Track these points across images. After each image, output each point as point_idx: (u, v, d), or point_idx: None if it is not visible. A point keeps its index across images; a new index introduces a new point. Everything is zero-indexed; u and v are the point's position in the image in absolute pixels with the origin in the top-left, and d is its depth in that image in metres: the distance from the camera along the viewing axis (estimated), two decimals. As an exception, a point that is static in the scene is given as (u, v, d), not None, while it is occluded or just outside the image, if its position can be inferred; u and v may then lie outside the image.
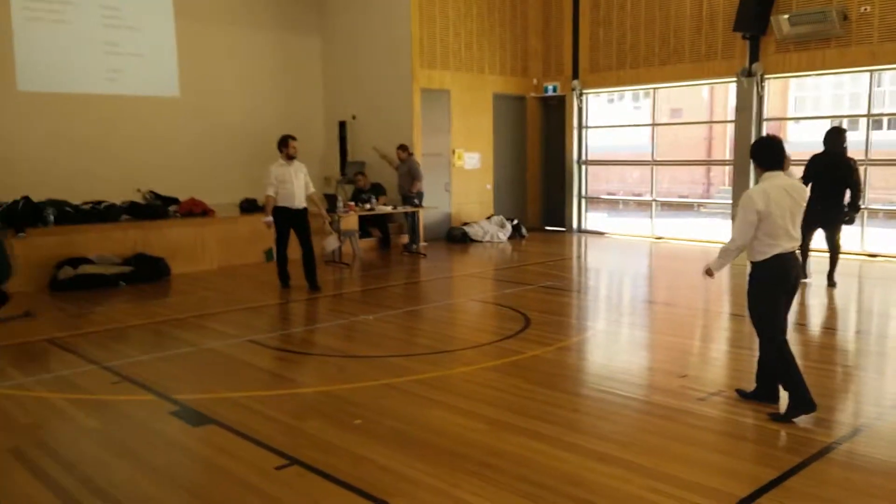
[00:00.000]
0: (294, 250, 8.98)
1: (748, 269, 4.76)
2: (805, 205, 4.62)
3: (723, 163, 22.00)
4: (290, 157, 8.78)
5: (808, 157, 8.83)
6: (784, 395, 4.62)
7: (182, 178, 12.22)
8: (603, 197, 18.28)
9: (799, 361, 4.62)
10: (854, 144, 11.33)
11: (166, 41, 12.52)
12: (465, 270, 10.88)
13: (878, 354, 6.16)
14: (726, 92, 21.32)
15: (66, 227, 9.64)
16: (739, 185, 12.26)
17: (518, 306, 7.86)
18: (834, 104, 26.17)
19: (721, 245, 4.84)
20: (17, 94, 11.06)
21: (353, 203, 11.62)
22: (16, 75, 11.05)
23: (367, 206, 11.66)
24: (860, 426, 4.48)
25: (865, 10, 10.77)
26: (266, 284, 9.33)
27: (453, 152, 13.82)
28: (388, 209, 11.92)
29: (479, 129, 14.22)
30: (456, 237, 13.44)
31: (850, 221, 8.69)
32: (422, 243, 12.34)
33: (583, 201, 15.05)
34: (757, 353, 4.82)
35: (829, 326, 7.32)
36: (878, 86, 11.64)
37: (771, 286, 4.58)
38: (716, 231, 13.96)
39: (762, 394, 4.75)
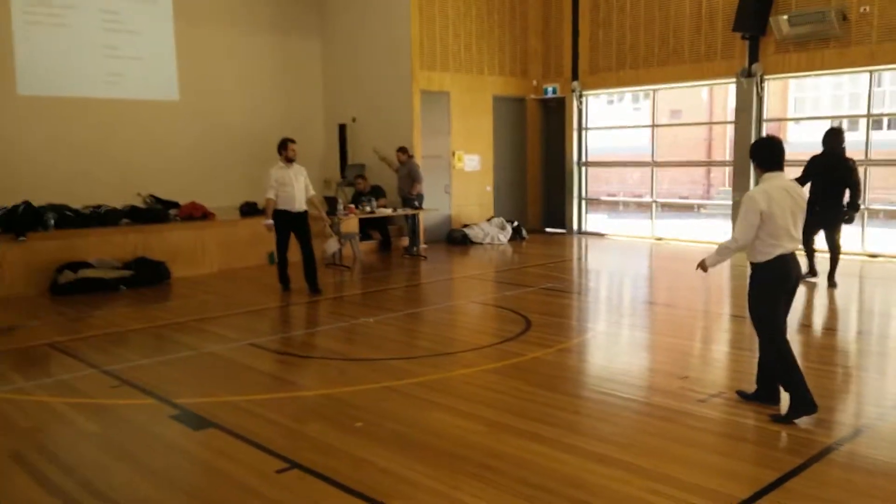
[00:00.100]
0: (294, 253, 8.98)
1: (748, 270, 4.76)
2: (805, 206, 4.63)
3: (723, 164, 22.00)
4: (289, 160, 8.79)
5: (807, 157, 8.84)
6: (785, 397, 4.61)
7: (182, 181, 12.23)
8: (603, 198, 18.29)
9: (800, 362, 4.61)
10: (854, 144, 11.33)
11: (166, 44, 12.54)
12: (466, 272, 10.88)
13: (878, 355, 6.16)
14: (726, 93, 21.33)
15: (66, 231, 9.65)
16: (739, 186, 12.26)
17: (518, 308, 7.85)
18: (833, 104, 26.18)
19: (719, 244, 4.82)
20: (17, 98, 11.07)
21: (353, 206, 11.63)
22: (16, 79, 11.07)
23: (368, 208, 11.66)
24: (861, 427, 4.48)
25: (865, 10, 10.77)
26: (266, 287, 9.33)
27: (453, 154, 13.83)
28: (389, 212, 11.92)
29: (478, 131, 14.23)
30: (456, 239, 13.44)
31: (850, 221, 8.70)
32: (422, 245, 12.34)
33: (583, 203, 15.04)
34: (757, 355, 4.82)
35: (830, 327, 7.31)
36: (878, 86, 11.64)
37: (772, 287, 4.58)
38: (716, 232, 13.95)
39: (763, 395, 4.75)
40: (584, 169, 14.94)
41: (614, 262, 11.75)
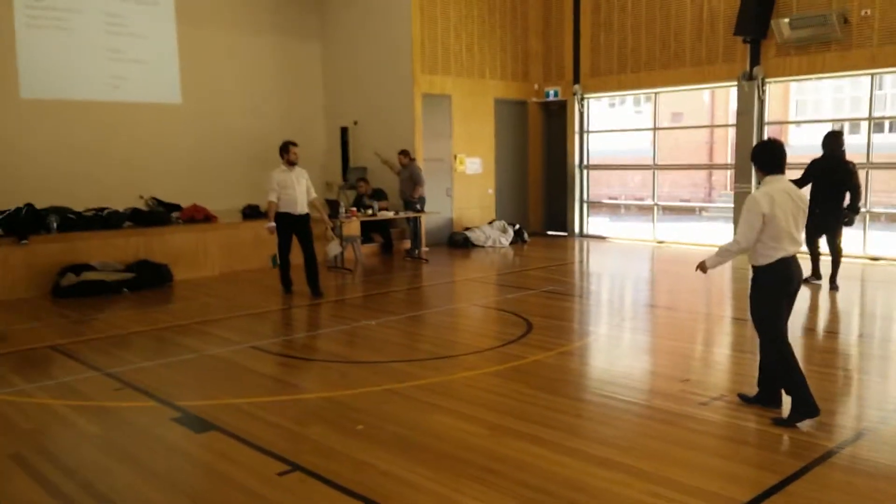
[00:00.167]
0: (296, 256, 8.99)
1: (750, 273, 4.76)
2: (807, 208, 4.63)
3: (724, 167, 22.03)
4: (291, 163, 8.80)
5: (809, 160, 8.85)
6: (786, 400, 4.61)
7: (184, 184, 12.25)
8: (605, 201, 18.28)
9: (802, 365, 4.61)
10: (855, 148, 11.34)
11: (168, 47, 12.57)
12: (467, 275, 10.89)
13: (880, 358, 6.15)
14: (727, 96, 21.33)
15: (68, 233, 9.67)
16: (741, 189, 12.26)
17: (520, 311, 7.86)
18: (835, 107, 26.17)
19: (720, 246, 4.83)
20: (20, 102, 11.09)
21: (354, 209, 11.64)
22: (18, 82, 11.09)
23: (369, 211, 11.67)
24: (863, 430, 4.47)
25: (866, 13, 10.78)
26: (268, 290, 9.34)
27: (455, 157, 13.84)
28: (390, 215, 11.93)
29: (480, 134, 14.24)
30: (458, 242, 13.45)
31: (850, 223, 8.73)
32: (423, 248, 12.35)
33: (584, 206, 15.05)
34: (758, 358, 4.82)
35: (832, 330, 7.31)
36: (879, 89, 11.65)
37: (774, 290, 4.58)
38: (717, 235, 13.95)
39: (764, 398, 4.75)
40: (585, 172, 14.95)
41: (616, 265, 11.75)
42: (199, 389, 5.52)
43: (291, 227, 8.85)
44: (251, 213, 11.56)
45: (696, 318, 7.83)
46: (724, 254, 4.71)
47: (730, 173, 14.60)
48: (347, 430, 4.50)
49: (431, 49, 13.18)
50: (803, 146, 15.33)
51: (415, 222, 12.19)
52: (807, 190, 8.37)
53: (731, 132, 15.43)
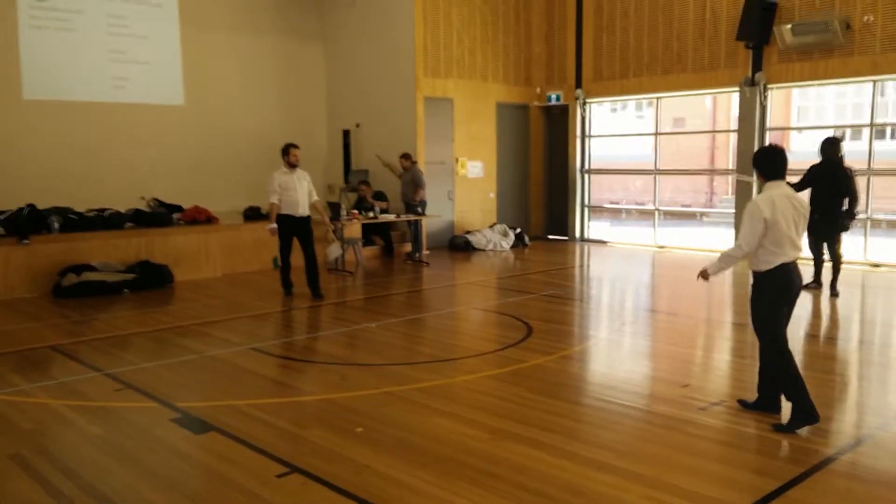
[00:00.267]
0: (297, 258, 9.00)
1: (750, 278, 4.76)
2: (808, 214, 4.64)
3: (726, 172, 22.03)
4: (292, 165, 8.82)
5: (809, 166, 8.86)
6: (786, 406, 4.61)
7: (186, 185, 12.28)
8: (606, 206, 18.28)
9: (802, 371, 4.61)
10: (857, 154, 11.35)
11: (171, 49, 12.60)
12: (468, 279, 10.89)
13: (880, 365, 6.15)
14: (729, 101, 21.34)
15: (70, 234, 9.68)
16: (742, 195, 12.27)
17: (520, 315, 7.86)
18: (837, 114, 26.17)
19: (722, 252, 4.83)
20: (22, 103, 11.12)
21: (356, 211, 11.65)
22: (21, 83, 11.12)
23: (371, 214, 11.68)
24: (863, 437, 4.47)
25: (868, 19, 10.79)
26: (269, 292, 9.34)
27: (456, 161, 13.85)
28: (392, 217, 11.94)
29: (482, 138, 14.26)
30: (459, 245, 13.45)
31: (846, 228, 8.74)
32: (424, 251, 12.36)
33: (586, 210, 15.06)
34: (759, 363, 4.83)
35: (832, 336, 7.30)
36: (881, 95, 11.64)
37: (775, 296, 4.59)
38: (718, 240, 13.95)
39: (764, 404, 4.75)
40: (587, 176, 14.97)
41: (616, 270, 11.75)
42: (200, 391, 5.53)
43: (292, 229, 8.86)
44: (252, 214, 11.58)
45: (697, 324, 7.83)
46: (726, 259, 4.71)
47: (731, 178, 14.58)
48: (347, 432, 4.50)
49: (434, 52, 13.21)
50: (805, 152, 15.33)
51: (416, 225, 12.20)
52: (805, 195, 8.38)
53: (733, 138, 15.45)
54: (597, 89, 14.32)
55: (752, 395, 4.89)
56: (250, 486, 3.79)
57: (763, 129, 12.19)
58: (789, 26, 11.28)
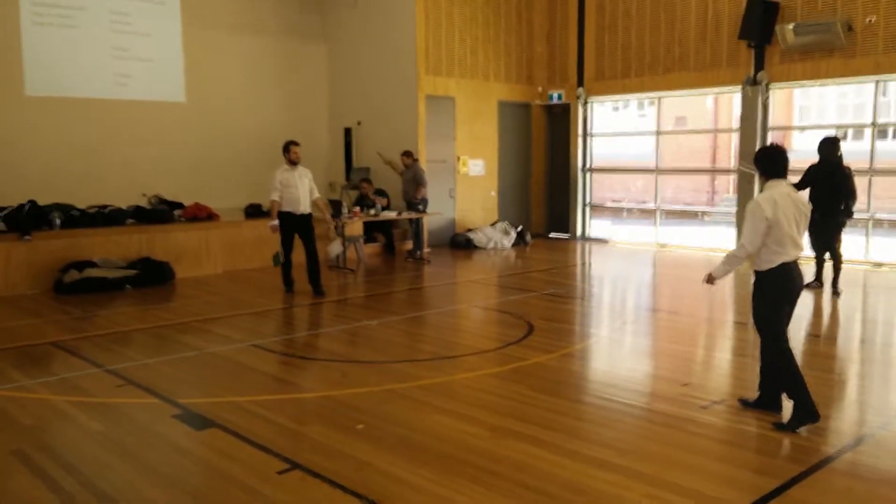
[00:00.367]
0: (298, 255, 9.00)
1: (752, 277, 4.76)
2: (809, 213, 4.64)
3: (727, 171, 22.00)
4: (292, 163, 8.83)
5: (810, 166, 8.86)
6: (787, 404, 4.61)
7: (187, 182, 12.28)
8: (607, 205, 18.27)
9: (803, 370, 4.61)
10: (859, 154, 11.32)
11: (173, 46, 12.60)
12: (469, 277, 10.89)
13: (882, 364, 6.15)
14: (731, 100, 21.31)
15: (71, 230, 9.68)
16: (744, 194, 12.26)
17: (521, 313, 7.86)
18: (838, 114, 26.13)
19: (725, 253, 4.83)
20: (24, 100, 11.12)
21: (357, 209, 11.65)
22: (23, 80, 11.12)
23: (372, 211, 11.68)
24: (864, 436, 4.47)
25: (871, 20, 10.78)
26: (270, 289, 9.35)
27: (458, 159, 13.85)
28: (393, 215, 11.94)
29: (483, 136, 14.25)
30: (460, 243, 13.45)
31: (842, 226, 8.74)
32: (426, 249, 12.35)
33: (587, 209, 15.06)
34: (760, 362, 4.82)
35: (834, 335, 7.30)
36: (883, 95, 11.63)
37: (776, 294, 4.59)
38: (720, 239, 13.95)
39: (765, 402, 4.75)
40: (588, 175, 14.96)
41: (618, 269, 11.75)
42: (201, 387, 5.53)
43: (294, 226, 8.86)
44: (254, 211, 11.57)
45: (698, 322, 7.83)
46: (731, 261, 4.70)
47: (733, 178, 14.58)
48: (348, 429, 4.51)
49: (435, 51, 13.20)
50: (807, 151, 15.30)
51: (417, 223, 12.20)
52: (804, 195, 8.38)
53: (735, 137, 15.43)
54: (598, 88, 14.31)
55: (753, 394, 4.89)
56: (251, 482, 3.79)
57: (765, 129, 12.17)
58: (791, 26, 11.26)
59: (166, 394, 5.21)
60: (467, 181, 14.04)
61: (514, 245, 13.70)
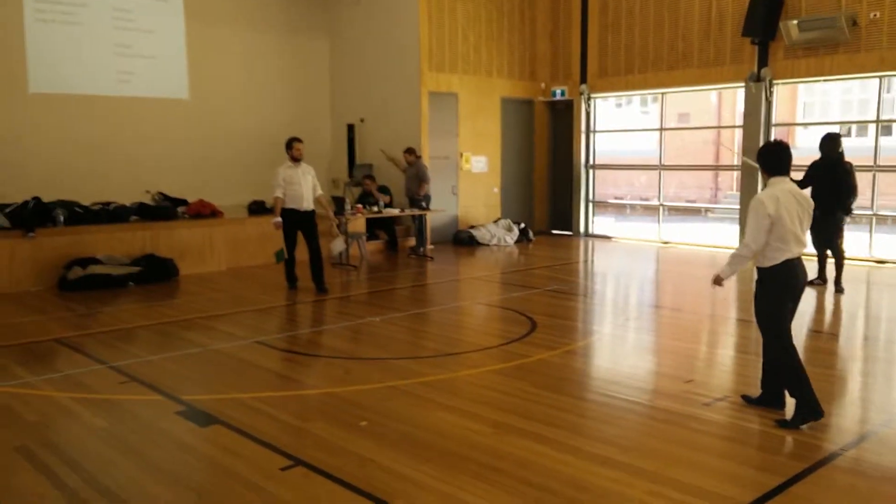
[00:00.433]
0: (301, 252, 9.01)
1: (755, 274, 4.76)
2: (811, 210, 4.63)
3: (730, 168, 21.92)
4: (295, 160, 8.83)
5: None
6: (790, 401, 4.61)
7: (191, 179, 12.30)
8: (610, 201, 18.25)
9: (806, 367, 4.60)
10: (863, 150, 11.29)
11: (176, 43, 12.60)
12: (472, 273, 10.89)
13: (885, 361, 6.14)
14: (734, 97, 21.27)
15: (75, 227, 9.70)
16: (747, 191, 12.24)
17: (524, 310, 7.86)
18: (843, 110, 26.06)
19: (730, 251, 4.82)
20: (28, 97, 11.14)
21: (360, 205, 11.66)
22: (27, 77, 11.14)
23: (375, 208, 11.68)
24: (867, 433, 4.47)
25: (875, 16, 10.74)
26: (274, 286, 9.36)
27: (461, 155, 13.84)
28: (396, 212, 11.94)
29: (486, 133, 14.24)
30: (463, 240, 13.45)
31: (840, 221, 8.73)
32: (429, 246, 12.36)
33: (590, 205, 15.04)
34: (762, 359, 4.82)
35: (837, 332, 7.29)
36: (888, 91, 11.60)
37: (779, 291, 4.58)
38: (723, 236, 13.93)
39: (767, 399, 4.75)
40: (591, 172, 14.94)
41: (621, 265, 11.74)
42: (204, 384, 5.55)
43: (297, 223, 8.87)
44: (257, 208, 11.59)
45: (701, 319, 7.82)
46: (736, 260, 4.69)
47: (736, 174, 14.55)
48: (351, 426, 4.52)
49: (438, 47, 13.18)
50: (810, 148, 15.25)
51: (420, 220, 12.20)
52: (807, 192, 8.37)
53: (738, 133, 15.40)
54: (602, 84, 14.28)
55: (755, 391, 4.89)
56: (254, 478, 3.80)
57: (768, 125, 12.15)
58: (795, 22, 11.23)
59: (170, 390, 5.22)
60: (470, 178, 14.03)
61: (516, 242, 13.70)
